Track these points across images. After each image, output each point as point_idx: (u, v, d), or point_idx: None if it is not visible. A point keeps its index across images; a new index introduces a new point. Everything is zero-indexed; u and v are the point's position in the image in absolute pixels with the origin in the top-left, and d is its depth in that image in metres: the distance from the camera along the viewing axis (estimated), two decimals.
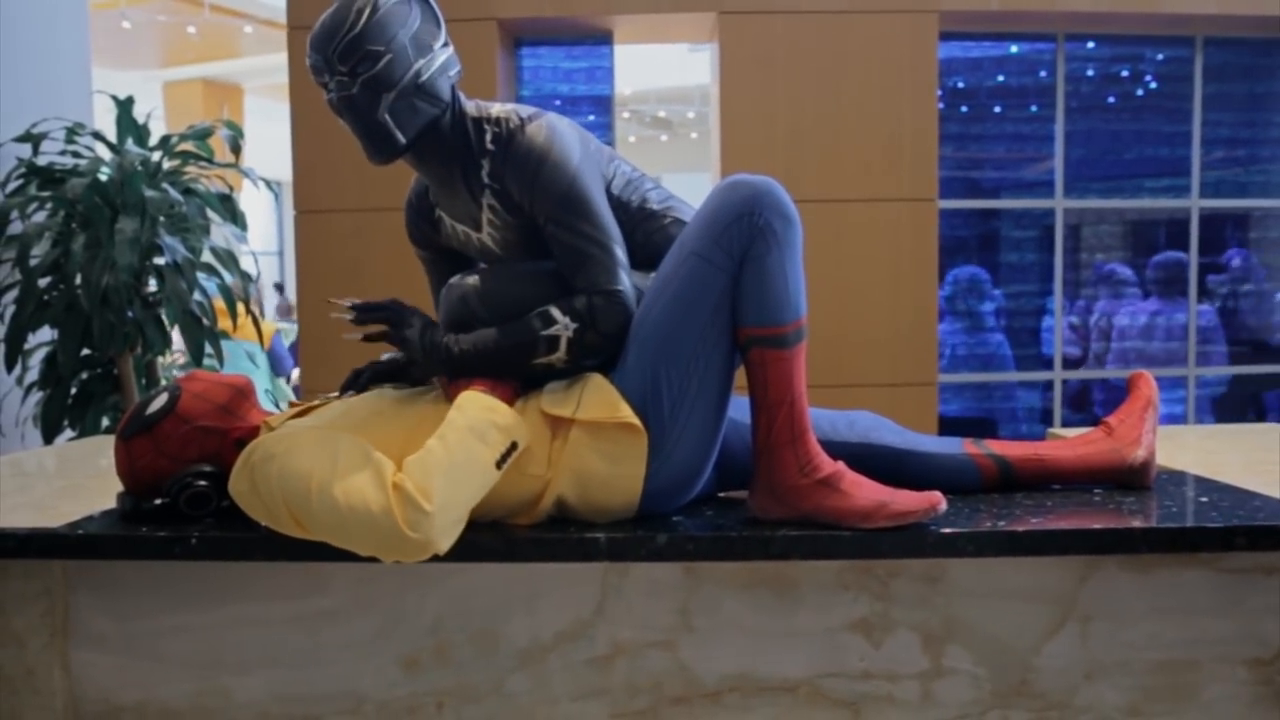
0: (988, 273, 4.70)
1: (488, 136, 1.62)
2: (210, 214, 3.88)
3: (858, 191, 4.19)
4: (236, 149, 4.04)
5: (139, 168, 3.69)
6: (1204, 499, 1.67)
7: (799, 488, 1.50)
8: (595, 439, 1.52)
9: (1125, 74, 4.75)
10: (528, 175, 1.58)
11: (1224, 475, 1.83)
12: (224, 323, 4.09)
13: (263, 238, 13.89)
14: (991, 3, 4.23)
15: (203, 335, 3.77)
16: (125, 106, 3.92)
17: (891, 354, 4.20)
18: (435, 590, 1.61)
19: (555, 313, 1.55)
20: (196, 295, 3.74)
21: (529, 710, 1.61)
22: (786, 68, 4.18)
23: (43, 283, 3.62)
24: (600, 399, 1.52)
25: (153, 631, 1.63)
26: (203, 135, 3.94)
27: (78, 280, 3.53)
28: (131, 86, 5.01)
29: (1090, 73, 4.72)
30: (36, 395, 3.84)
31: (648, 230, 1.69)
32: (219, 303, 3.94)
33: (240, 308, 3.93)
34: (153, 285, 3.80)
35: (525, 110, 1.64)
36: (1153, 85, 4.76)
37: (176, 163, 3.90)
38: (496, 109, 1.64)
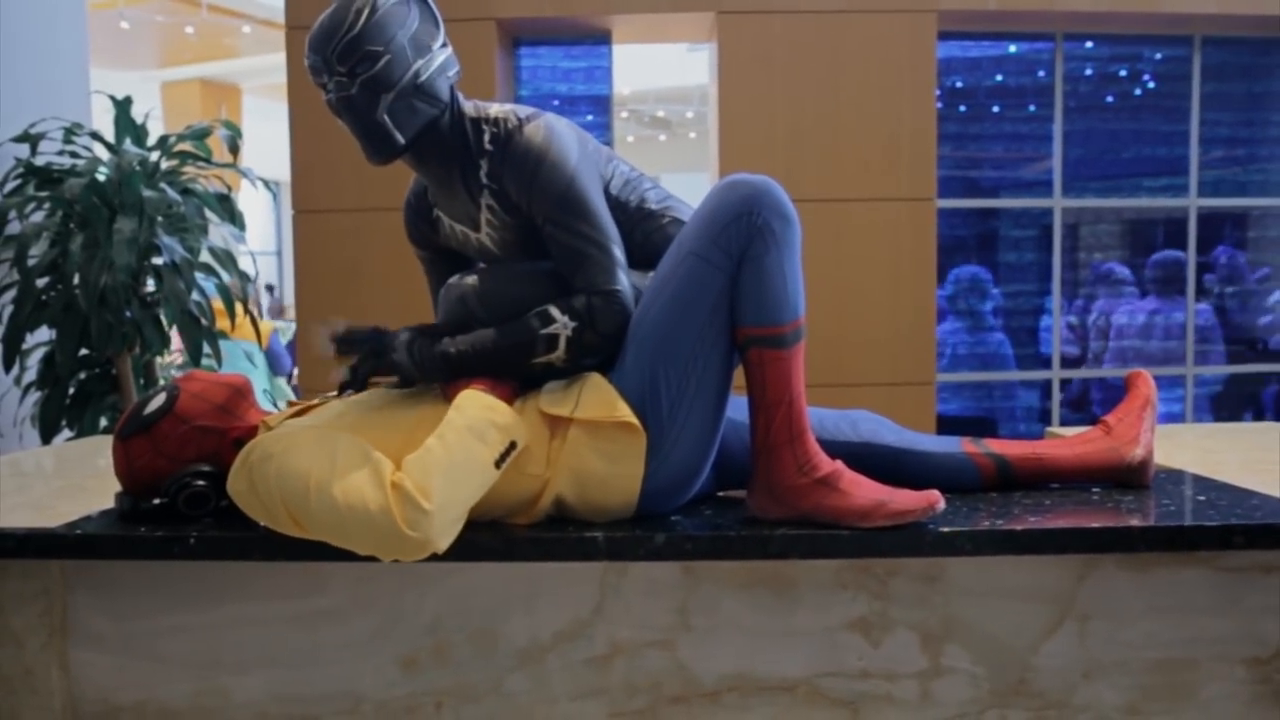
0: (988, 272, 4.70)
1: (486, 137, 1.62)
2: (208, 214, 3.88)
3: (856, 191, 4.19)
4: (234, 149, 4.03)
5: (137, 168, 3.69)
6: (1202, 498, 1.67)
7: (798, 487, 1.50)
8: (594, 438, 1.52)
9: (1123, 73, 4.75)
10: (526, 175, 1.58)
11: (1222, 474, 1.84)
12: (222, 323, 4.09)
13: (261, 238, 13.88)
14: (990, 2, 4.23)
15: (201, 335, 3.77)
16: (123, 106, 3.92)
17: (890, 353, 4.21)
18: (434, 590, 1.61)
19: (554, 312, 1.56)
20: (195, 295, 3.74)
21: (528, 710, 1.61)
22: (785, 67, 4.18)
23: (41, 283, 3.62)
24: (599, 398, 1.53)
25: (151, 631, 1.63)
26: (201, 135, 3.94)
27: (76, 280, 3.53)
28: (129, 86, 5.01)
29: (1088, 72, 4.73)
30: (34, 395, 3.84)
31: (646, 230, 1.69)
32: (217, 303, 3.94)
33: (238, 308, 3.93)
34: (151, 285, 3.80)
35: (523, 110, 1.64)
36: (1151, 85, 4.77)
37: (174, 163, 3.90)
38: (495, 109, 1.64)
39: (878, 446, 1.67)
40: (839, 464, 1.52)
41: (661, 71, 10.82)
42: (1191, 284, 4.72)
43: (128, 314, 3.65)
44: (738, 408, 1.67)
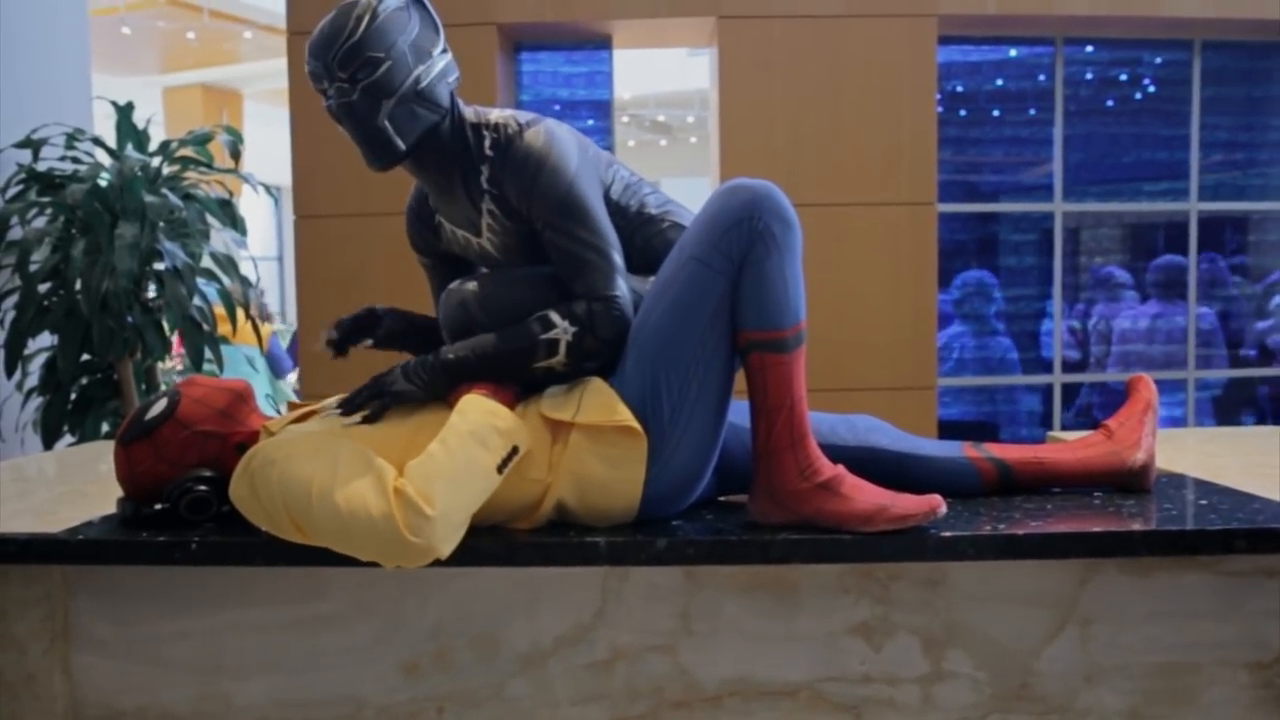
0: (992, 276, 4.71)
1: (486, 142, 1.62)
2: (210, 219, 3.88)
3: (857, 196, 4.19)
4: (236, 154, 4.04)
5: (139, 173, 3.69)
6: (1204, 502, 1.67)
7: (799, 492, 1.50)
8: (595, 443, 1.52)
9: (1124, 78, 4.75)
10: (526, 180, 1.58)
11: (1224, 478, 1.83)
12: (223, 328, 4.09)
13: (262, 243, 13.89)
14: (990, 7, 4.24)
15: (202, 340, 3.77)
16: (125, 112, 3.92)
17: (891, 358, 4.21)
18: (435, 595, 1.61)
19: (554, 317, 1.56)
20: (196, 300, 3.74)
21: (529, 714, 1.61)
22: (785, 72, 4.19)
23: (43, 288, 3.62)
24: (600, 403, 1.53)
25: (153, 636, 1.63)
26: (202, 140, 3.94)
27: (77, 286, 3.53)
28: (131, 92, 5.02)
29: (1089, 76, 4.73)
30: (36, 401, 3.84)
31: (646, 235, 1.69)
32: (219, 308, 3.95)
33: (240, 313, 3.93)
34: (152, 291, 3.80)
35: (524, 116, 1.64)
36: (1151, 89, 4.77)
37: (176, 168, 3.90)
38: (495, 115, 1.65)
39: (879, 451, 1.67)
40: (840, 468, 1.52)
41: (662, 76, 10.84)
42: (1193, 288, 4.72)
43: (129, 319, 3.66)
44: (739, 412, 1.67)
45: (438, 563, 1.40)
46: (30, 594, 1.60)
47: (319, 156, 4.07)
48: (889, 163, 4.20)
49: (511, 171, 1.59)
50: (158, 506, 1.56)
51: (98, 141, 3.90)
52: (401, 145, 1.58)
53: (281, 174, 4.67)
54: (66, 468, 2.29)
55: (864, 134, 4.19)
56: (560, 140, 1.61)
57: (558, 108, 4.53)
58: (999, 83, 4.71)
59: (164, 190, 3.72)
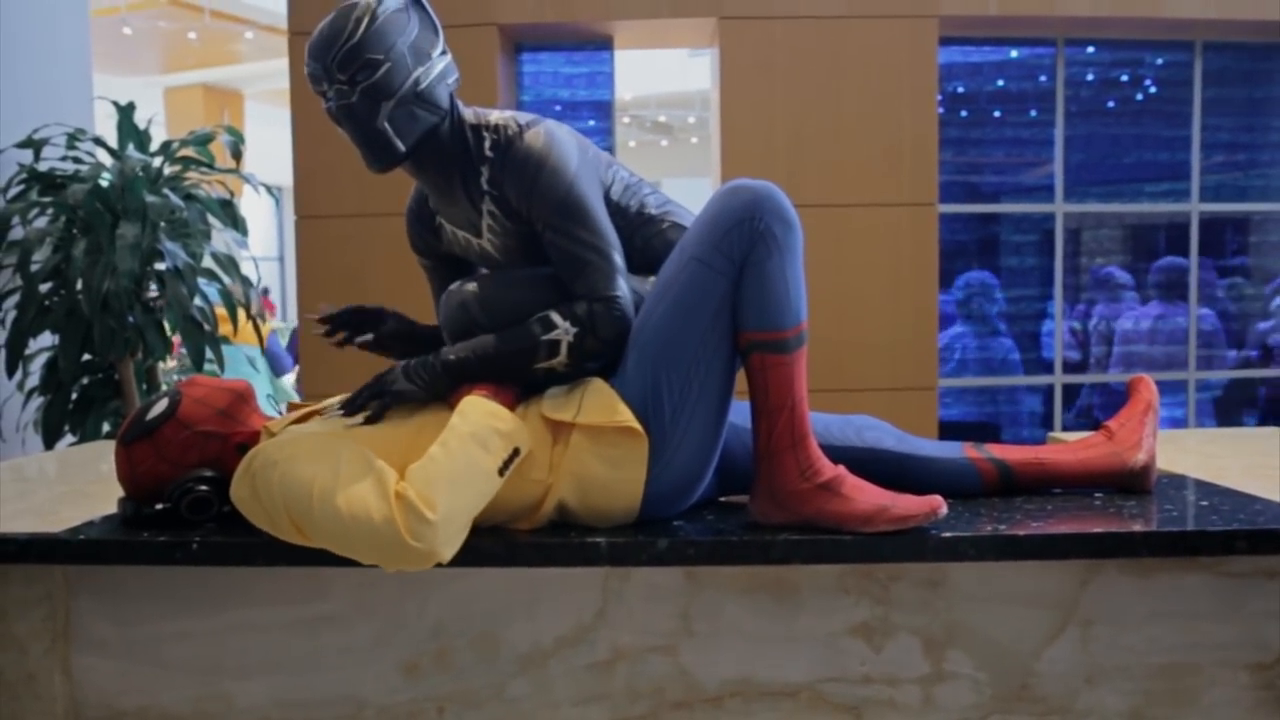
0: (993, 277, 4.71)
1: (486, 143, 1.62)
2: (211, 219, 3.89)
3: (858, 196, 4.20)
4: (237, 154, 4.04)
5: (140, 173, 3.69)
6: (1204, 503, 1.67)
7: (800, 492, 1.50)
8: (596, 443, 1.52)
9: (1125, 78, 4.75)
10: (526, 181, 1.58)
11: (1224, 479, 1.83)
12: (224, 328, 4.10)
13: (263, 243, 13.90)
14: (991, 8, 4.24)
15: (203, 340, 3.77)
16: (126, 112, 3.92)
17: (892, 358, 4.21)
18: (436, 595, 1.61)
19: (555, 317, 1.56)
20: (197, 300, 3.74)
21: (530, 715, 1.61)
22: (786, 73, 4.19)
23: (44, 288, 3.62)
24: (601, 403, 1.53)
25: (154, 637, 1.63)
26: (204, 141, 3.94)
27: (79, 286, 3.53)
28: (132, 92, 5.02)
29: (1090, 77, 4.73)
30: (37, 400, 3.84)
31: (646, 235, 1.69)
32: (220, 309, 3.95)
33: (240, 313, 3.94)
34: (154, 290, 3.80)
35: (523, 117, 1.64)
36: (1152, 90, 4.77)
37: (177, 168, 3.90)
38: (495, 116, 1.65)
39: (880, 451, 1.67)
40: (841, 469, 1.52)
41: (663, 77, 10.85)
42: (1194, 289, 4.72)
43: (130, 319, 3.66)
44: (740, 412, 1.67)
45: (439, 565, 1.40)
46: (31, 594, 1.61)
47: (320, 157, 4.08)
48: (890, 163, 4.20)
49: (511, 172, 1.59)
50: (159, 506, 1.57)
51: (99, 142, 3.90)
52: (401, 147, 1.58)
53: (283, 174, 4.68)
54: (67, 467, 2.29)
55: (865, 135, 4.19)
56: (560, 141, 1.61)
57: (559, 108, 4.53)
58: (1000, 83, 4.71)
59: (165, 190, 3.72)
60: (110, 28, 10.22)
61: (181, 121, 11.14)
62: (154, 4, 10.28)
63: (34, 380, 3.83)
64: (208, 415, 1.58)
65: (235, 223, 3.97)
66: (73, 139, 3.80)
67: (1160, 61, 4.73)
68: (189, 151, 3.93)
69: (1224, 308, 4.88)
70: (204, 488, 1.55)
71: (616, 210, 1.66)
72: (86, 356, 3.73)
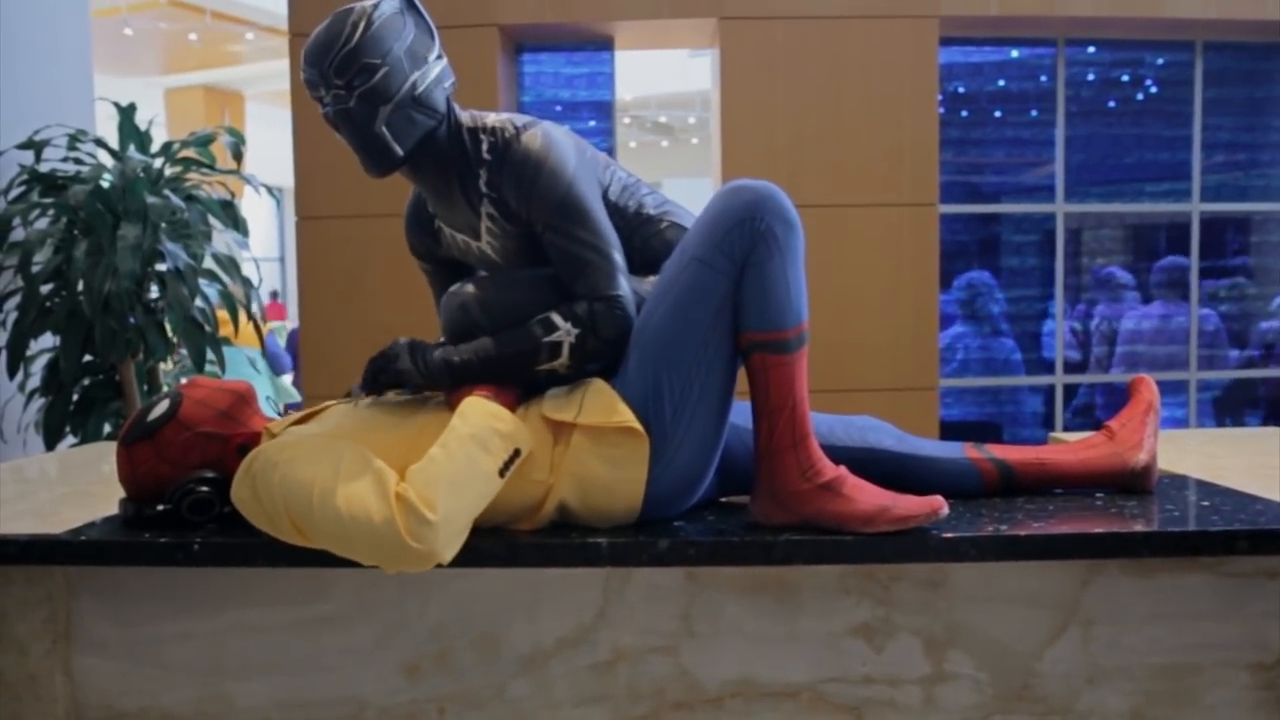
0: (992, 277, 4.71)
1: (484, 146, 1.63)
2: (212, 220, 3.89)
3: (859, 196, 4.19)
4: (238, 155, 4.04)
5: (141, 174, 3.70)
6: (1206, 503, 1.67)
7: (801, 492, 1.50)
8: (597, 444, 1.52)
9: (1125, 78, 4.75)
10: (524, 183, 1.58)
11: (1226, 479, 1.83)
12: (224, 329, 4.10)
13: (264, 244, 13.90)
14: (992, 8, 4.24)
15: (204, 341, 3.77)
16: (127, 113, 3.93)
17: (892, 359, 4.20)
18: (437, 596, 1.61)
19: (556, 319, 1.56)
20: (198, 301, 3.74)
21: (531, 716, 1.61)
22: (787, 73, 4.19)
23: (45, 289, 3.62)
24: (602, 403, 1.53)
25: (155, 637, 1.63)
26: (204, 142, 3.95)
27: (80, 287, 3.54)
28: (133, 93, 5.03)
29: (1090, 77, 4.73)
30: (38, 402, 3.85)
31: (645, 235, 1.70)
32: (222, 311, 3.95)
33: (241, 314, 3.94)
34: (155, 292, 3.80)
35: (520, 119, 1.64)
36: (1153, 90, 4.77)
37: (178, 169, 3.91)
38: (492, 119, 1.65)
39: (881, 452, 1.67)
40: (842, 469, 1.52)
41: (664, 77, 10.86)
42: (1195, 289, 4.72)
43: (131, 320, 3.66)
44: (741, 413, 1.67)
45: (439, 566, 1.40)
46: (32, 595, 1.61)
47: (321, 158, 4.07)
48: (890, 164, 4.20)
49: (510, 174, 1.60)
50: (160, 507, 1.57)
51: (100, 143, 3.90)
52: (399, 151, 1.58)
53: (283, 175, 4.67)
54: (68, 469, 2.29)
55: (865, 135, 4.19)
56: (557, 142, 1.61)
57: (559, 109, 4.53)
58: (1000, 84, 4.71)
59: (166, 191, 3.73)
60: (111, 29, 10.23)
61: (182, 122, 11.16)
62: (155, 5, 10.29)
63: (35, 381, 3.83)
64: (209, 416, 1.58)
65: (236, 224, 3.97)
66: (74, 140, 3.80)
67: (1161, 61, 4.72)
68: (190, 152, 3.93)
69: (1225, 308, 4.88)
70: (205, 489, 1.55)
71: (615, 210, 1.67)
72: (87, 358, 3.73)
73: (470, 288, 1.63)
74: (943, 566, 1.57)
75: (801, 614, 1.59)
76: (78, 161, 3.78)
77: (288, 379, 6.24)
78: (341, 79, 1.54)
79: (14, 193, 3.72)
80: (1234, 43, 4.63)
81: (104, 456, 2.38)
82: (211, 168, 3.96)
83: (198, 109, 12.56)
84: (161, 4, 10.26)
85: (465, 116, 1.65)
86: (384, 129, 1.56)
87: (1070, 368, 4.78)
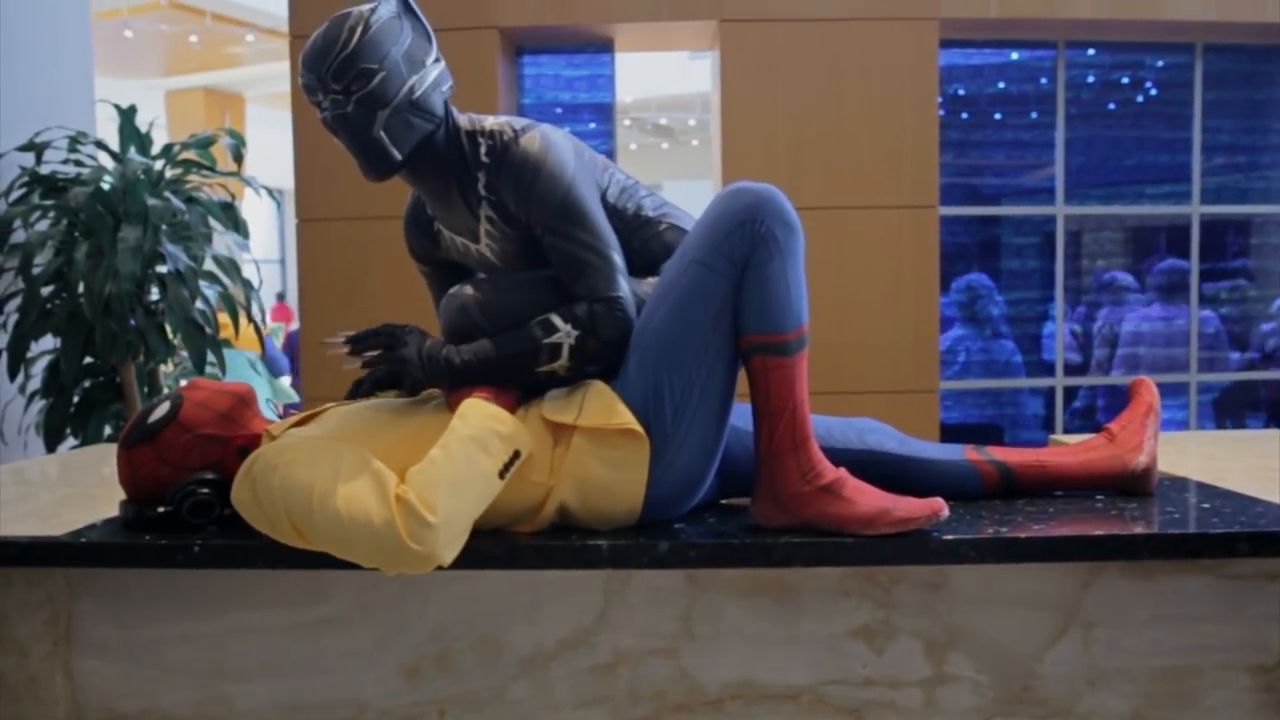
0: (991, 279, 4.71)
1: (482, 149, 1.63)
2: (212, 222, 3.89)
3: (859, 199, 4.20)
4: (238, 157, 4.05)
5: (141, 176, 3.70)
6: (1206, 505, 1.67)
7: (801, 495, 1.50)
8: (597, 445, 1.52)
9: (1125, 80, 4.75)
10: (523, 186, 1.58)
11: (1226, 481, 1.83)
12: (225, 332, 4.10)
13: (264, 246, 13.90)
14: (992, 10, 4.24)
15: (205, 344, 3.77)
16: (128, 115, 3.93)
17: (893, 361, 4.21)
18: (437, 598, 1.61)
19: (556, 320, 1.56)
20: (199, 303, 3.75)
21: (531, 717, 1.61)
22: (787, 75, 4.19)
23: (45, 291, 3.63)
24: (602, 405, 1.53)
25: (155, 639, 1.63)
26: (205, 144, 3.95)
27: (80, 289, 3.54)
28: (134, 95, 5.03)
29: (1090, 79, 4.73)
30: (39, 403, 3.85)
31: (644, 237, 1.70)
32: (222, 314, 3.96)
33: (241, 316, 3.94)
34: (155, 294, 3.81)
35: (519, 122, 1.64)
36: (1153, 92, 4.77)
37: (179, 171, 3.91)
38: (490, 121, 1.65)
39: (881, 454, 1.67)
40: (842, 471, 1.52)
41: (664, 79, 10.86)
42: (1194, 291, 4.72)
43: (132, 322, 3.66)
44: (741, 415, 1.67)
45: (439, 568, 1.40)
46: (33, 597, 1.61)
47: (321, 160, 4.07)
48: (891, 166, 4.20)
49: (508, 177, 1.60)
50: (160, 509, 1.57)
51: (100, 145, 3.90)
52: (397, 155, 1.58)
53: (284, 177, 4.68)
54: (69, 470, 2.29)
55: (866, 137, 4.19)
56: (555, 145, 1.61)
57: (559, 111, 4.54)
58: (1001, 86, 4.71)
59: (166, 193, 3.73)
60: (112, 31, 10.23)
61: (183, 124, 11.17)
62: (155, 7, 10.30)
63: (35, 383, 3.83)
64: (209, 418, 1.58)
65: (237, 225, 3.97)
66: (74, 142, 3.80)
67: (1161, 64, 4.73)
68: (190, 154, 3.94)
69: (1226, 310, 4.88)
70: (205, 491, 1.55)
71: (614, 212, 1.67)
72: (88, 359, 3.73)
73: (470, 289, 1.63)
74: (943, 569, 1.57)
75: (802, 616, 1.59)
76: (78, 163, 3.78)
77: (285, 381, 6.24)
78: (339, 84, 1.54)
79: (15, 195, 3.72)
80: (1234, 45, 4.63)
81: (104, 458, 2.38)
82: (212, 170, 3.97)
83: (198, 111, 12.56)
84: (162, 6, 10.27)
85: (463, 120, 1.65)
86: (382, 133, 1.56)
87: (1071, 370, 4.78)
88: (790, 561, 1.49)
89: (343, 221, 4.17)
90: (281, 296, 13.87)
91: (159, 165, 3.86)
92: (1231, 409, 4.92)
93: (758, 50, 4.19)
